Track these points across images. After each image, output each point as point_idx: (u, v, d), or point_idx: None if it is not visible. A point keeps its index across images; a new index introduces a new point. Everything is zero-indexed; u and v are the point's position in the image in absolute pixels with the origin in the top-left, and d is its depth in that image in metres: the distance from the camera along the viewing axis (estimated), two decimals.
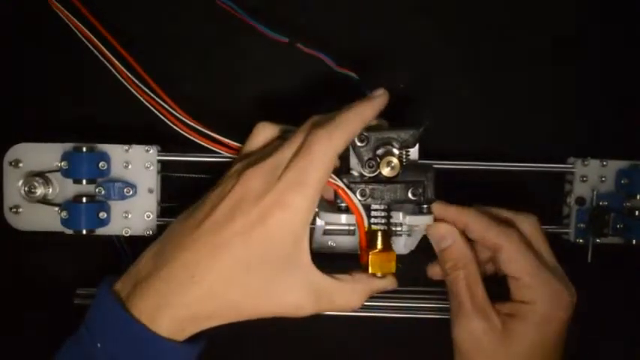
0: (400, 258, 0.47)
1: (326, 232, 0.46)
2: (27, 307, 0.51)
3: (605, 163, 0.50)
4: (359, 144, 0.41)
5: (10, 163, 0.46)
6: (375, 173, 0.40)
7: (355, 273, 0.40)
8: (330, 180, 0.40)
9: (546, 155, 0.51)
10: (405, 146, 0.41)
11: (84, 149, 0.45)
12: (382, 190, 0.41)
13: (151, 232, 0.46)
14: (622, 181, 0.49)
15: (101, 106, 0.50)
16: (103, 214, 0.46)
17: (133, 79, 0.45)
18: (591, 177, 0.50)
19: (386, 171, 0.40)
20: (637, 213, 0.49)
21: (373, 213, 0.41)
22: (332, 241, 0.47)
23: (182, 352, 0.38)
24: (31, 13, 0.48)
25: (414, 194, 0.41)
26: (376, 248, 0.40)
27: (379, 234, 0.40)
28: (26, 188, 0.45)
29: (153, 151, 0.47)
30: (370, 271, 0.40)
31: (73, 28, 0.45)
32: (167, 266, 0.37)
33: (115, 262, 0.49)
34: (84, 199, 0.45)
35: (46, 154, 0.46)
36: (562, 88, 0.53)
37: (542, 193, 0.53)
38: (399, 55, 0.51)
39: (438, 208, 0.42)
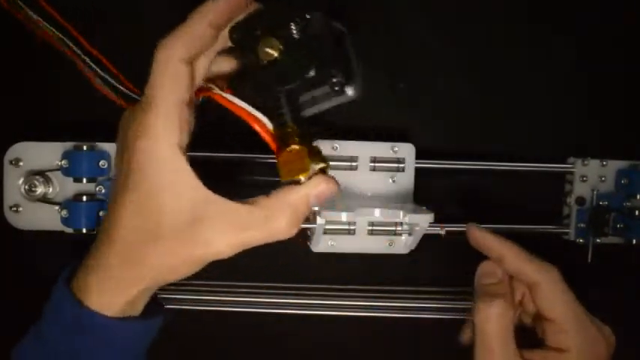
0: (402, 257, 0.47)
1: (326, 232, 0.47)
2: (27, 306, 0.51)
3: (604, 163, 0.50)
4: (230, 43, 0.34)
5: (11, 162, 0.46)
6: (260, 62, 0.33)
7: (275, 189, 0.34)
8: (200, 91, 0.35)
9: (546, 155, 0.51)
10: (288, 20, 0.33)
11: (84, 148, 0.45)
12: (273, 78, 0.33)
13: None
14: (622, 181, 0.50)
15: (101, 104, 0.50)
16: (103, 213, 0.46)
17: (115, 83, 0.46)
18: (591, 177, 0.50)
19: (267, 54, 0.32)
20: (637, 213, 0.49)
21: (272, 108, 0.33)
22: (332, 241, 0.48)
23: (115, 326, 0.35)
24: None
25: (312, 71, 0.32)
26: (287, 148, 0.32)
27: (285, 130, 0.33)
28: (26, 187, 0.45)
29: None
30: (282, 179, 0.33)
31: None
32: (97, 238, 0.36)
33: None
34: (84, 198, 0.45)
35: (47, 153, 0.46)
36: (562, 88, 0.53)
37: (542, 193, 0.53)
38: (399, 55, 0.52)
39: (475, 233, 0.41)
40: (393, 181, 0.48)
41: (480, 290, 0.40)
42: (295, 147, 0.32)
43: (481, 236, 0.41)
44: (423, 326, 0.52)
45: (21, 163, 0.46)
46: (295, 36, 0.32)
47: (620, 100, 0.53)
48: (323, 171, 0.33)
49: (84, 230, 0.45)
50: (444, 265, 0.53)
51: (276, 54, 0.32)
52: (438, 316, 0.50)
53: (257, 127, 0.33)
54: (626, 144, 0.53)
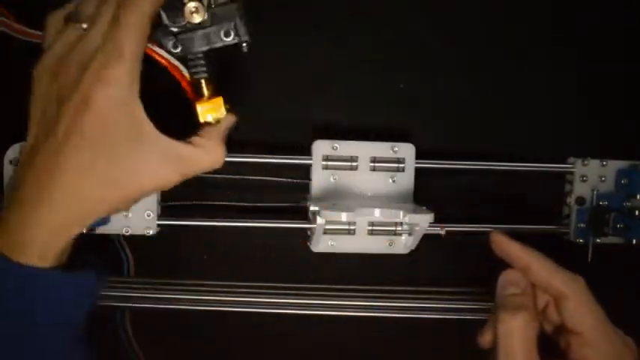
0: (402, 257, 0.47)
1: (326, 232, 0.47)
2: None
3: (604, 163, 0.50)
4: None
5: (11, 162, 0.46)
6: (184, 23, 0.38)
7: (200, 131, 0.40)
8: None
9: (546, 155, 0.51)
10: None
11: None
12: (194, 38, 0.39)
13: (150, 232, 0.46)
14: (622, 181, 0.50)
15: None
16: None
17: None
18: (591, 177, 0.50)
19: (192, 18, 0.38)
20: (637, 213, 0.49)
21: (190, 63, 0.40)
22: (332, 241, 0.48)
23: (51, 277, 0.37)
24: (29, 14, 0.48)
25: (226, 35, 0.39)
26: (203, 97, 0.40)
27: (202, 82, 0.40)
28: None
29: None
30: (200, 120, 0.40)
31: None
32: (20, 193, 0.36)
33: (114, 261, 0.49)
34: None
35: None
36: (562, 88, 0.53)
37: (542, 193, 0.53)
38: (399, 55, 0.52)
39: (500, 241, 0.40)
40: (393, 181, 0.48)
41: (503, 300, 0.38)
42: (212, 96, 0.40)
43: (506, 244, 0.39)
44: (423, 326, 0.52)
45: None
46: (212, 4, 0.39)
47: (620, 100, 0.53)
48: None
49: (83, 230, 0.45)
50: (444, 265, 0.53)
51: (201, 18, 0.38)
52: (438, 316, 0.50)
53: (178, 77, 0.40)
54: (626, 144, 0.53)
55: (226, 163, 0.47)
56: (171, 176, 0.38)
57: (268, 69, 0.50)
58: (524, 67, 0.53)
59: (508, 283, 0.39)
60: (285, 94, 0.51)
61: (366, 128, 0.51)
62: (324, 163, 0.47)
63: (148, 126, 0.37)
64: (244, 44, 0.40)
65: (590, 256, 0.49)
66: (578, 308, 0.37)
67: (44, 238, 0.36)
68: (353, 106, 0.52)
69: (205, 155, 0.39)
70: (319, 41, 0.50)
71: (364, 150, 0.48)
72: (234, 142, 0.44)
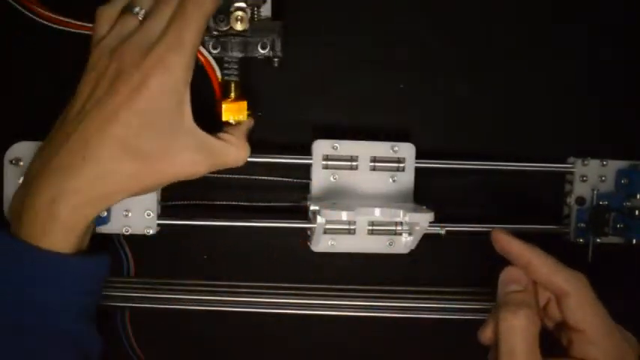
0: (402, 257, 0.47)
1: (326, 231, 0.47)
2: None
3: (605, 163, 0.50)
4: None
5: (11, 162, 0.46)
6: (227, 27, 0.42)
7: (226, 128, 0.43)
8: None
9: (546, 155, 0.51)
10: (255, 4, 0.43)
11: None
12: (233, 43, 0.43)
13: (151, 231, 0.46)
14: (622, 181, 0.50)
15: None
16: (102, 212, 0.46)
17: None
18: (591, 177, 0.50)
19: (236, 25, 0.42)
20: (637, 213, 0.49)
21: (225, 65, 0.43)
22: (332, 241, 0.48)
23: (71, 263, 0.38)
24: (28, 13, 0.48)
25: (262, 47, 0.43)
26: (229, 98, 0.43)
27: (232, 84, 0.43)
28: None
29: None
30: (223, 118, 0.43)
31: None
32: (52, 162, 0.38)
33: (114, 260, 0.48)
34: None
35: None
36: (562, 88, 0.53)
37: (542, 193, 0.53)
38: (399, 55, 0.52)
39: (501, 239, 0.39)
40: (394, 181, 0.48)
41: (504, 298, 0.38)
42: (238, 99, 0.43)
43: (507, 241, 0.39)
44: (423, 326, 0.52)
45: (21, 163, 0.46)
46: (261, 15, 0.43)
47: (620, 100, 0.53)
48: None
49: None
50: (444, 265, 0.53)
51: (244, 27, 0.42)
52: (438, 316, 0.50)
53: (211, 75, 0.43)
54: (626, 144, 0.53)
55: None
56: (200, 166, 0.40)
57: (268, 69, 0.50)
58: (524, 67, 0.53)
59: (509, 280, 0.39)
60: (286, 94, 0.51)
61: (366, 128, 0.51)
62: (324, 162, 0.48)
63: (189, 116, 0.39)
64: (276, 59, 0.44)
65: (590, 256, 0.49)
66: (581, 306, 0.37)
67: (67, 216, 0.37)
68: (353, 106, 0.52)
69: (232, 151, 0.42)
70: (319, 41, 0.50)
71: (364, 150, 0.48)
72: None
